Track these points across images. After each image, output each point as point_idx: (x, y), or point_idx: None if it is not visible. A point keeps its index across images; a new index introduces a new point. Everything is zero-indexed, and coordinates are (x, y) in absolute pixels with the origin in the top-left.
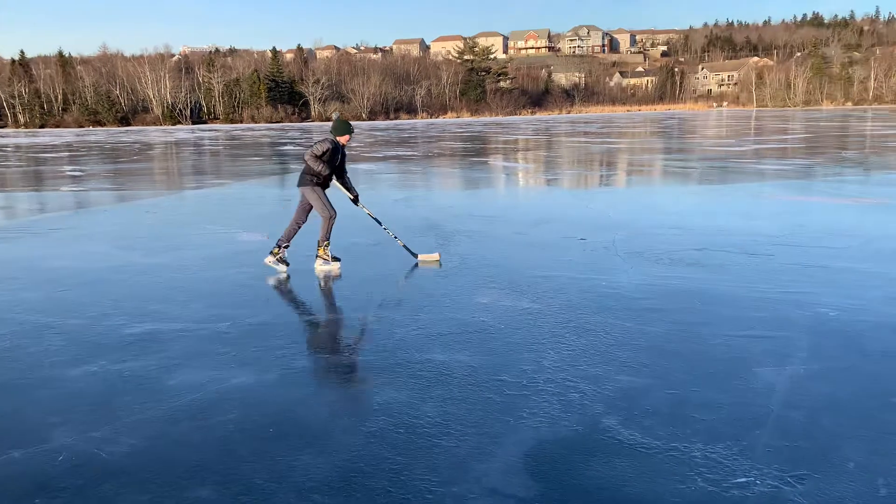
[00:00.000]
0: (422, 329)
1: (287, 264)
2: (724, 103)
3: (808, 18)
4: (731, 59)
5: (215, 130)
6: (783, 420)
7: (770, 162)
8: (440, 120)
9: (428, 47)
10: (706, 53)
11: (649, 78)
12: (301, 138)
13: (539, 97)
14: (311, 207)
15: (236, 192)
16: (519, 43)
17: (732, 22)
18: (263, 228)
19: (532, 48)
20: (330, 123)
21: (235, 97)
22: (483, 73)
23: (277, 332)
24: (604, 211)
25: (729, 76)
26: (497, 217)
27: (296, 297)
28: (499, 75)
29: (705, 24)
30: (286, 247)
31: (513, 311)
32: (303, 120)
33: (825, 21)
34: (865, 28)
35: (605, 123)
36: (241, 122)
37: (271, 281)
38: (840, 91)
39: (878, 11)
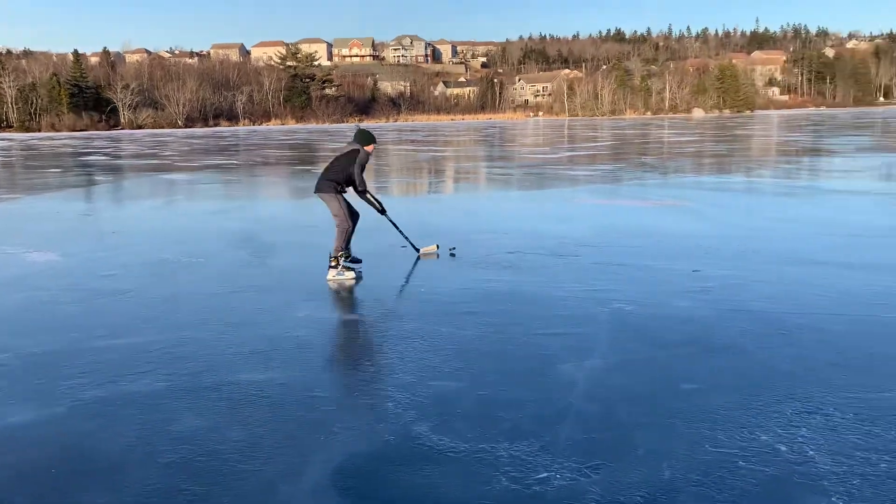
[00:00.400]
0: (231, 348)
1: (359, 261)
2: (540, 113)
3: (612, 34)
4: (545, 70)
5: (7, 140)
6: (583, 413)
7: (581, 168)
8: (263, 127)
9: (248, 52)
10: (522, 65)
11: (471, 88)
12: (109, 147)
13: (366, 105)
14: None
15: (27, 208)
16: (343, 50)
17: (545, 36)
18: (57, 247)
19: (357, 56)
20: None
21: (32, 104)
22: (307, 80)
23: (66, 362)
24: (427, 218)
25: (543, 87)
26: (319, 227)
27: (89, 322)
28: (324, 82)
29: (521, 38)
30: (338, 257)
31: (330, 324)
32: (111, 127)
33: (626, 37)
34: (660, 44)
35: (430, 132)
36: (40, 130)
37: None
38: (641, 101)
39: (670, 29)
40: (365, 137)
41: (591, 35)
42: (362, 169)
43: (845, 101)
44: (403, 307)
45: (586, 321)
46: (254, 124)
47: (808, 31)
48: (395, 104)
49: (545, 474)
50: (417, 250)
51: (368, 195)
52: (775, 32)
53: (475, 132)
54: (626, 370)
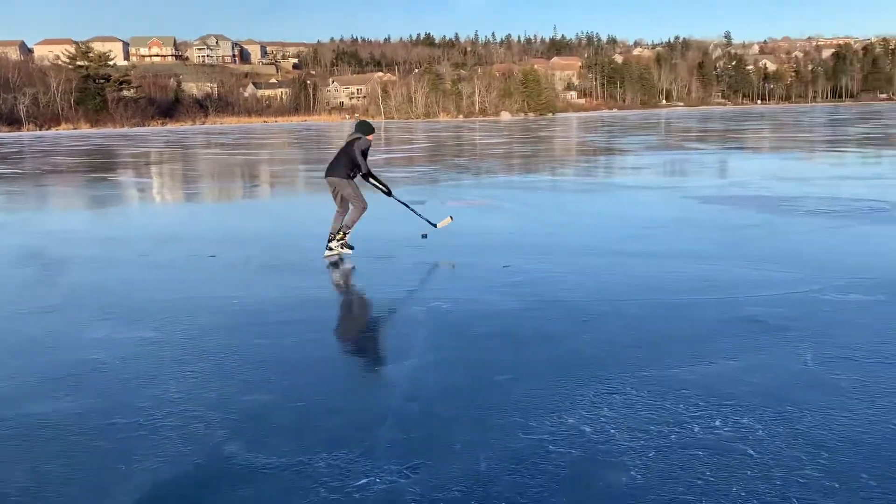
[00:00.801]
0: (15, 378)
1: (351, 248)
2: (356, 115)
3: (422, 38)
4: (358, 73)
5: None
6: (402, 414)
7: (399, 169)
8: (52, 133)
9: (31, 50)
10: (335, 67)
11: (283, 90)
12: None
13: (169, 107)
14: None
15: None
16: (142, 50)
17: (357, 38)
18: None
19: (157, 56)
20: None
21: None
22: (102, 81)
23: None
24: (240, 224)
25: (358, 89)
26: (118, 239)
27: None
28: (121, 83)
29: (332, 39)
30: (347, 233)
31: (132, 344)
32: None
33: (436, 41)
34: (468, 49)
35: (242, 134)
36: None
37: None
38: (453, 104)
39: (477, 35)
40: (365, 128)
41: (402, 39)
42: (363, 154)
43: (633, 104)
44: (214, 320)
45: (405, 322)
46: (40, 129)
47: (599, 39)
48: (202, 106)
49: (364, 480)
50: (434, 226)
51: (373, 179)
52: (571, 40)
53: (290, 134)
54: (444, 367)
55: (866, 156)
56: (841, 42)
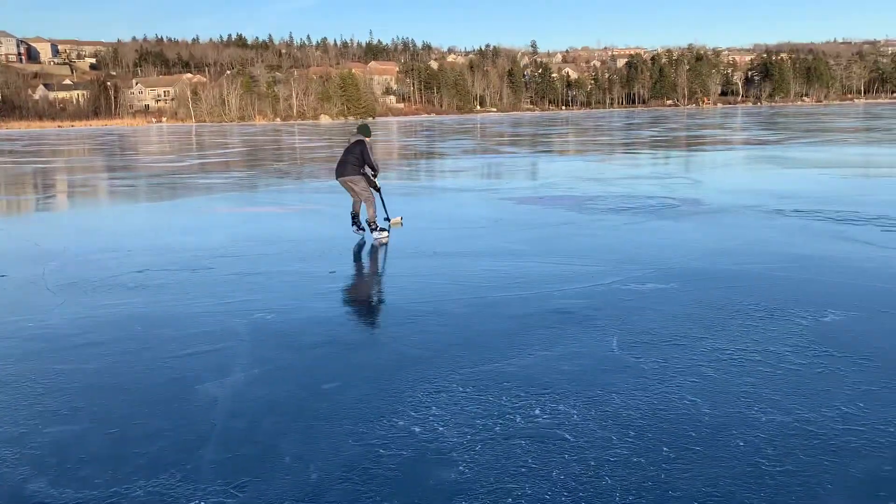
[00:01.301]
0: None
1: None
2: (164, 118)
3: (234, 39)
4: (165, 74)
5: None
6: (226, 432)
7: (213, 176)
8: None
9: None
10: (139, 68)
11: (80, 91)
12: None
13: None
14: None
15: None
16: None
17: (162, 38)
18: None
19: None
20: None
21: None
22: None
23: None
24: (30, 240)
25: (165, 91)
26: None
27: None
28: None
29: (134, 38)
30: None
31: None
32: None
33: (248, 42)
34: (283, 51)
35: (32, 140)
36: None
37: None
38: (269, 108)
39: (291, 37)
40: (367, 131)
41: (212, 39)
42: (369, 154)
43: (450, 109)
44: (6, 348)
45: (226, 336)
46: None
47: (415, 45)
48: None
49: None
50: (388, 220)
51: (376, 171)
52: (388, 45)
53: (90, 140)
54: (270, 380)
55: (656, 157)
56: (633, 52)
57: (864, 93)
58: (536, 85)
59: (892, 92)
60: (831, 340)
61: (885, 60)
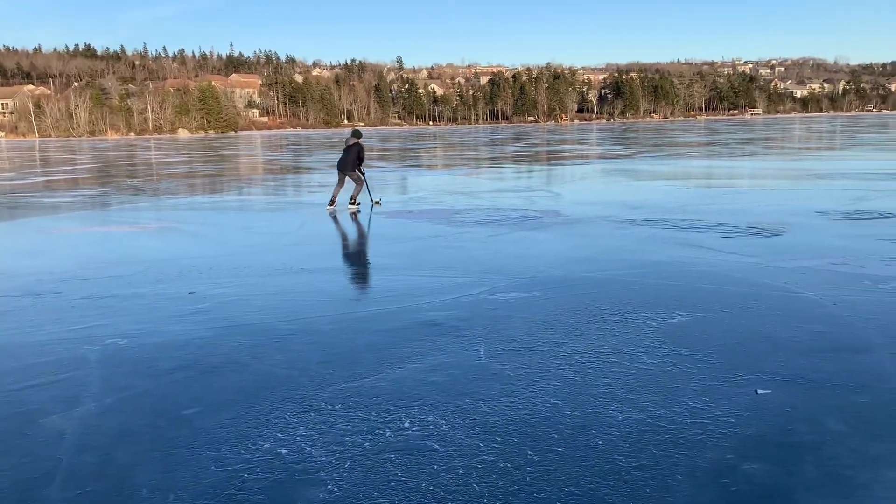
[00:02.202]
0: None
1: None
2: (2, 133)
3: (81, 49)
4: (4, 86)
5: None
6: (75, 467)
7: (60, 194)
8: None
9: None
10: None
11: None
12: None
13: None
14: (346, 180)
15: None
16: None
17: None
18: None
19: None
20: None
21: None
22: None
23: None
24: None
25: (4, 104)
26: None
27: None
28: None
29: None
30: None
31: None
32: None
33: (98, 53)
34: (137, 63)
35: None
36: None
37: None
38: (123, 121)
39: (146, 48)
40: (359, 134)
41: (56, 49)
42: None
43: (317, 123)
44: None
45: (75, 364)
46: None
47: (278, 58)
48: None
49: None
50: (373, 203)
51: (361, 171)
52: (249, 57)
53: None
54: (124, 409)
55: (519, 171)
56: (495, 70)
57: (705, 109)
58: (404, 100)
59: (729, 109)
60: (679, 340)
61: (721, 80)
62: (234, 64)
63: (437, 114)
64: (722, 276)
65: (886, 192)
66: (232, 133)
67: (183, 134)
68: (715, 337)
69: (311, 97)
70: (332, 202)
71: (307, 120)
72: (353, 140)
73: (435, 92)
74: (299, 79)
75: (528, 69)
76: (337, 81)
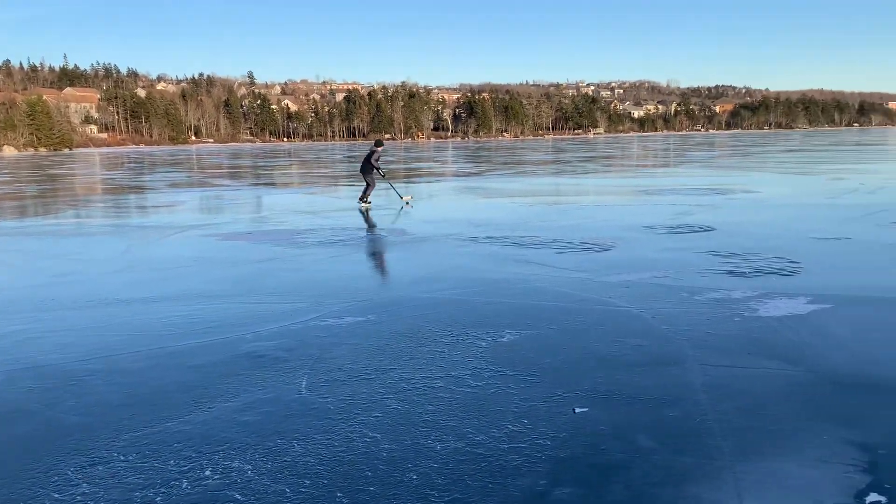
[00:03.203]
0: None
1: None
2: None
3: None
4: None
5: None
6: None
7: None
8: None
9: None
10: None
11: None
12: None
13: None
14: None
15: None
16: None
17: None
18: None
19: None
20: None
21: None
22: None
23: None
24: None
25: None
26: None
27: None
28: None
29: None
30: (365, 195)
31: None
32: None
33: None
34: None
35: None
36: None
37: None
38: None
39: None
40: (378, 143)
41: None
42: (377, 158)
43: (162, 140)
44: None
45: None
46: None
47: (119, 71)
48: None
49: None
50: (401, 198)
51: (381, 172)
52: (86, 70)
53: None
54: None
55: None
56: (351, 87)
57: (552, 129)
58: (256, 116)
59: (574, 128)
60: (506, 360)
61: (566, 101)
62: (69, 77)
63: (291, 130)
64: (552, 292)
65: (707, 207)
66: (66, 150)
67: (9, 151)
68: (541, 355)
69: (156, 112)
70: (361, 199)
71: (151, 136)
72: (373, 147)
73: (289, 108)
74: (142, 93)
75: (385, 87)
76: (183, 96)
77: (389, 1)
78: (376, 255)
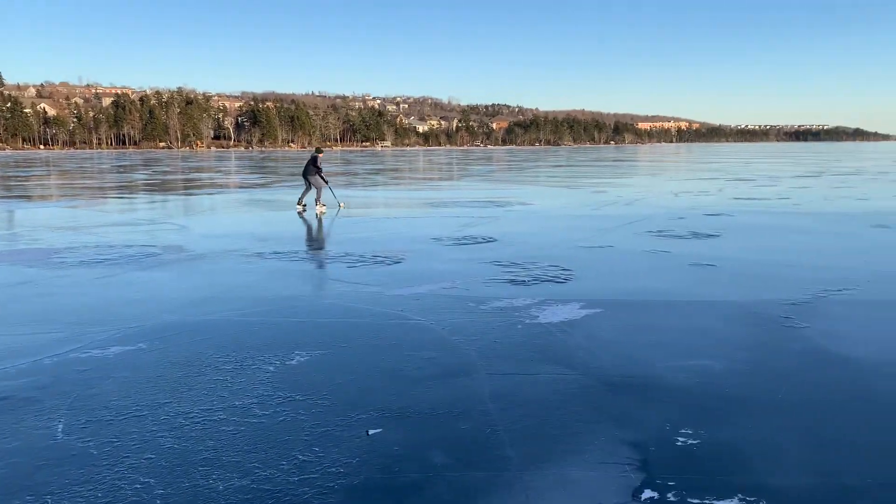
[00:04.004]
0: None
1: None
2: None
3: None
4: None
5: None
6: None
7: None
8: None
9: None
10: None
11: None
12: None
13: None
14: (311, 184)
15: None
16: None
17: None
18: None
19: None
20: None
21: None
22: None
23: None
24: None
25: None
26: None
27: None
28: None
29: None
30: (318, 200)
31: None
32: None
33: None
34: None
35: None
36: None
37: None
38: None
39: None
40: (317, 150)
41: None
42: (320, 163)
43: None
44: None
45: None
46: None
47: None
48: None
49: None
50: (339, 204)
51: (322, 176)
52: None
53: None
54: None
55: (141, 201)
56: (120, 92)
57: (340, 140)
58: (6, 120)
59: (362, 141)
60: (296, 384)
61: (353, 114)
62: None
63: (50, 137)
64: (343, 308)
65: (489, 219)
66: None
67: None
68: (332, 375)
69: None
70: (299, 202)
71: None
72: (314, 154)
73: (46, 112)
74: None
75: (158, 92)
76: None
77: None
78: (150, 276)
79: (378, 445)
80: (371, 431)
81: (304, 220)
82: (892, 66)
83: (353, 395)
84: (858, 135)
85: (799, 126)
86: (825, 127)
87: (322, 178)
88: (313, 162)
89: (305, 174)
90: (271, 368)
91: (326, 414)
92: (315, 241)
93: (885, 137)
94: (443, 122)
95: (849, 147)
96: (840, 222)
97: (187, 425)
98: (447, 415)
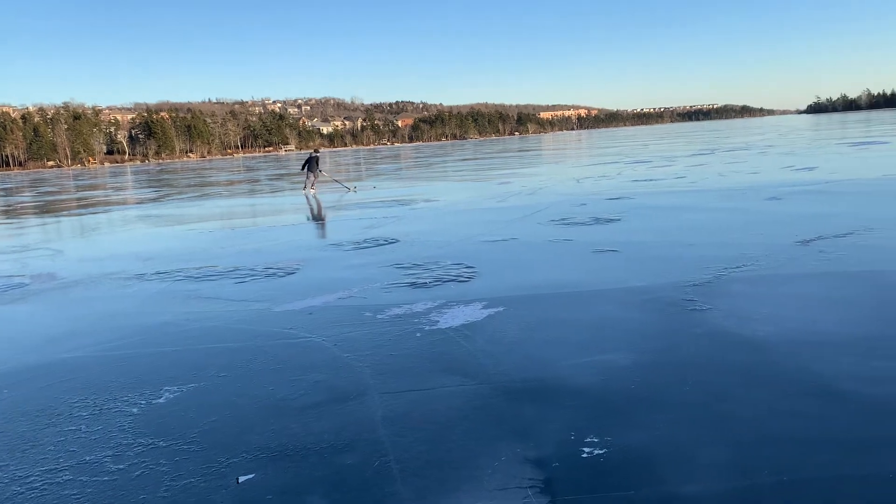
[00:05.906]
0: None
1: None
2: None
3: None
4: None
5: None
6: None
7: None
8: None
9: None
10: None
11: None
12: None
13: None
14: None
15: None
16: None
17: None
18: None
19: None
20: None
21: None
22: None
23: None
24: None
25: None
26: None
27: None
28: None
29: None
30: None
31: None
32: None
33: None
34: None
35: None
36: None
37: None
38: None
39: None
40: (316, 151)
41: None
42: (319, 161)
43: None
44: None
45: None
46: None
47: None
48: None
49: None
50: (347, 189)
51: (324, 173)
52: None
53: None
54: None
55: (16, 226)
56: None
57: (242, 147)
58: None
59: (264, 146)
60: (160, 428)
61: (254, 119)
62: None
63: None
64: (226, 330)
65: (392, 219)
66: None
67: None
68: (203, 414)
69: None
70: (305, 187)
71: None
72: (312, 154)
73: None
74: None
75: (42, 109)
76: None
77: (40, 9)
78: (11, 310)
79: (249, 495)
80: (242, 479)
81: (187, 237)
82: (773, 46)
83: (226, 435)
84: (745, 111)
85: (690, 107)
86: (715, 106)
87: (323, 172)
88: (315, 161)
89: (309, 169)
90: (134, 411)
91: (192, 462)
92: (202, 257)
93: (770, 112)
94: (347, 123)
95: (737, 124)
96: (734, 198)
97: (22, 493)
98: (332, 448)
